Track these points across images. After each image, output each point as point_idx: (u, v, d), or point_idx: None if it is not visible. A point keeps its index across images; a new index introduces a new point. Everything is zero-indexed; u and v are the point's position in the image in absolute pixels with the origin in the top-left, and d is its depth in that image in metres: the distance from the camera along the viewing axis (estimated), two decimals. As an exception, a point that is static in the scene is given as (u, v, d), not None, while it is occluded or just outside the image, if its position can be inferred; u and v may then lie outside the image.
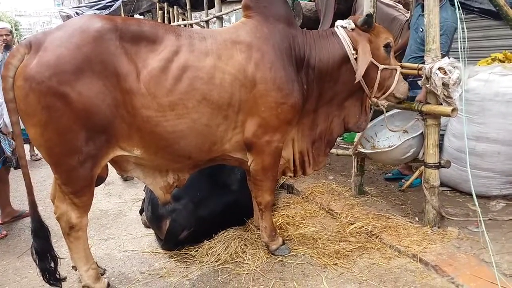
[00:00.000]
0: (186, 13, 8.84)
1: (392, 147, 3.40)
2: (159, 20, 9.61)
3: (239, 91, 2.51)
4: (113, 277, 2.91)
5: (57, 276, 2.47)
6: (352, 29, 2.80)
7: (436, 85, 2.93)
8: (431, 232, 3.11)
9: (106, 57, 2.20)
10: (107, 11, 11.72)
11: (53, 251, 2.46)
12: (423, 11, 3.66)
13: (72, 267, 2.79)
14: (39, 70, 2.08)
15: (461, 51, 2.93)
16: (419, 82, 3.10)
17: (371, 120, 3.98)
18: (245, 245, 3.19)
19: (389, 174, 4.43)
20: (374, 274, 2.74)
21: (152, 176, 2.73)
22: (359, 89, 2.91)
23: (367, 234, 3.23)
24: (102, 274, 2.81)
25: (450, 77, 2.86)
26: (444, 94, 2.93)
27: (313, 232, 3.35)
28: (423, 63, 3.09)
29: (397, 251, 2.96)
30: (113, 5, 11.94)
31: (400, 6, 5.56)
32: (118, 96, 2.24)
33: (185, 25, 8.30)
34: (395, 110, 3.71)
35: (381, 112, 3.16)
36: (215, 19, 7.26)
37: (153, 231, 3.44)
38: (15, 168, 3.96)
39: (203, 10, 8.01)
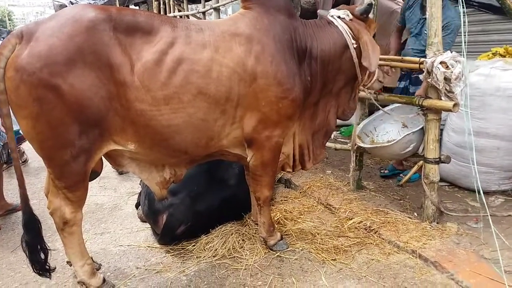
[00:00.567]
0: (182, 4, 8.72)
1: (392, 142, 3.37)
2: (155, 11, 9.48)
3: (237, 85, 2.44)
4: (109, 272, 2.87)
5: (47, 267, 2.42)
6: (350, 19, 2.79)
7: (437, 80, 2.89)
8: (430, 228, 3.09)
9: (99, 48, 2.13)
10: (101, 1, 11.54)
11: (44, 244, 2.41)
12: (424, 14, 3.60)
13: (67, 262, 2.74)
14: (30, 61, 2.02)
15: (464, 45, 2.88)
16: (421, 76, 3.06)
17: (369, 115, 3.96)
18: (243, 240, 3.15)
19: (386, 171, 4.35)
20: (373, 270, 2.72)
21: (148, 171, 2.67)
22: (352, 78, 2.92)
23: (366, 230, 3.21)
24: (97, 269, 2.77)
25: (452, 72, 2.82)
26: (446, 89, 2.89)
27: (311, 227, 3.33)
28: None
29: (396, 247, 2.95)
30: (108, -6, 11.75)
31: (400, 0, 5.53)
32: (112, 89, 2.18)
33: (181, 16, 8.19)
34: (395, 105, 3.68)
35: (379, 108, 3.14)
36: (212, 10, 7.17)
37: (149, 226, 3.40)
38: (5, 163, 3.89)
39: (200, 1, 7.90)
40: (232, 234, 3.19)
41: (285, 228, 3.33)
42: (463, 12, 2.94)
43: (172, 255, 3.04)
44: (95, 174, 2.59)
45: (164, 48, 2.29)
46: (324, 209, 3.69)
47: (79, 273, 2.52)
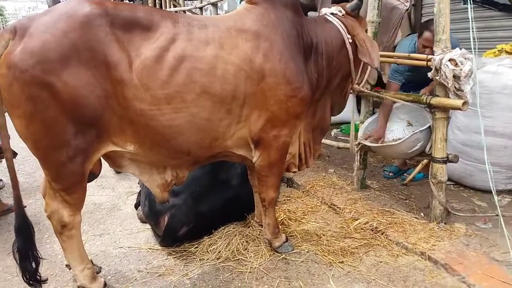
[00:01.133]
0: (178, -1, 8.61)
1: (399, 141, 3.30)
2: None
3: (244, 83, 2.35)
4: (110, 275, 2.78)
5: (38, 277, 2.32)
6: (343, 15, 2.79)
7: (446, 77, 2.82)
8: (438, 229, 3.03)
9: (95, 45, 2.04)
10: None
11: (36, 251, 2.31)
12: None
13: (66, 265, 2.65)
14: (23, 58, 1.93)
15: (473, 41, 2.82)
16: (429, 74, 2.99)
17: (373, 114, 3.89)
18: (247, 241, 3.08)
19: (391, 174, 4.24)
20: (382, 273, 2.66)
21: (148, 173, 2.56)
22: (346, 75, 2.89)
23: (372, 231, 3.14)
24: (97, 273, 2.69)
25: (461, 69, 2.76)
26: (454, 87, 2.83)
27: (316, 228, 3.26)
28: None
29: (405, 249, 2.88)
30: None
31: (401, -5, 5.45)
32: (108, 87, 2.08)
33: (176, 12, 8.07)
34: (400, 103, 3.61)
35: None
36: (209, 6, 7.06)
37: (150, 227, 3.31)
38: None
39: (197, -4, 7.81)
40: (235, 236, 3.11)
41: (289, 229, 3.26)
42: (470, 8, 2.89)
43: (174, 257, 2.95)
44: (93, 175, 2.50)
45: (165, 45, 2.19)
46: (329, 209, 3.62)
47: (79, 278, 2.44)
